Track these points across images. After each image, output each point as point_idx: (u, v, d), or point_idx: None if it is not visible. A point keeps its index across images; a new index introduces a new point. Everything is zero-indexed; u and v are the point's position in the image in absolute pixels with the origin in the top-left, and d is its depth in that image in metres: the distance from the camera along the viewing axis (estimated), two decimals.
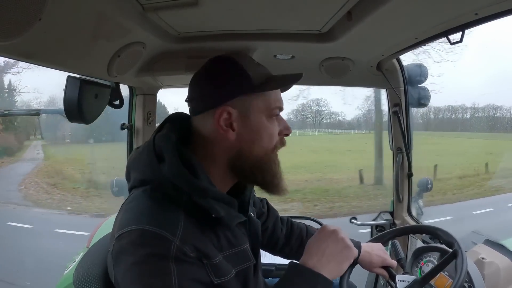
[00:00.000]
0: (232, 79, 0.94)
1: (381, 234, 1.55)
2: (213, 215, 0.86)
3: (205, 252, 0.83)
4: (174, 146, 0.89)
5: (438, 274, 1.34)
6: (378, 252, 1.42)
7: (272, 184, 0.99)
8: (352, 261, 1.03)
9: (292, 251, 1.40)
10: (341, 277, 1.41)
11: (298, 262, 0.96)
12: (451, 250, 1.26)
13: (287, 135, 1.03)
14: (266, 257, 1.23)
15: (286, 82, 1.02)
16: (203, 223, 0.86)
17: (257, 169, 0.96)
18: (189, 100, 0.99)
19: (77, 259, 2.04)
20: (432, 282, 1.33)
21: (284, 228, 1.40)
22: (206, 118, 0.94)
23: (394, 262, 1.41)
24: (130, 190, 0.96)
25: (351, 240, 1.44)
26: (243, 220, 0.98)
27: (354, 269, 1.44)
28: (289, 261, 0.98)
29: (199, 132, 0.96)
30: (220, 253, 0.88)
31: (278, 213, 1.42)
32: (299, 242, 1.40)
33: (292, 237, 1.40)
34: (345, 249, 1.01)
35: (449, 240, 1.30)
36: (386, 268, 1.40)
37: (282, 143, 1.02)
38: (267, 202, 1.42)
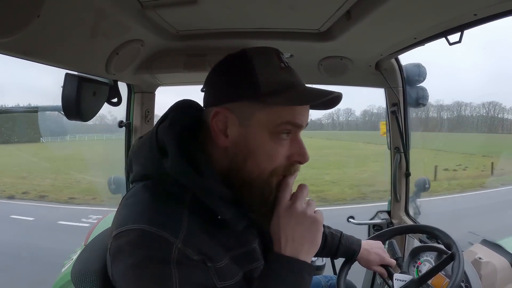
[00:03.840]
0: (237, 80, 0.82)
1: (381, 232, 1.56)
2: (219, 217, 0.79)
3: (210, 255, 0.77)
4: (177, 140, 0.82)
5: None
6: (377, 250, 1.42)
7: (259, 212, 0.87)
8: (322, 228, 0.88)
9: None
10: (339, 275, 1.42)
11: (279, 252, 0.84)
12: (449, 252, 1.26)
13: (299, 162, 0.86)
14: None
15: (302, 99, 0.82)
16: (210, 222, 0.79)
17: (246, 188, 0.83)
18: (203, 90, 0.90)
19: (74, 256, 2.04)
20: (429, 281, 1.34)
21: None
22: (208, 114, 0.85)
23: (392, 261, 1.42)
24: (131, 183, 0.90)
25: (351, 237, 1.44)
26: (253, 220, 0.89)
27: (351, 268, 1.45)
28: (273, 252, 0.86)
29: (207, 126, 0.86)
30: (227, 253, 0.81)
31: None
32: None
33: None
34: (312, 224, 0.85)
35: (447, 242, 1.30)
36: (385, 266, 1.41)
37: (289, 171, 0.86)
38: None
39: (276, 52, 0.86)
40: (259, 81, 0.80)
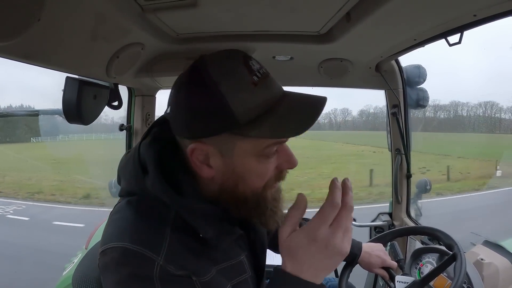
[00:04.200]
0: (209, 114, 0.74)
1: (381, 234, 1.55)
2: (201, 235, 0.79)
3: (194, 269, 0.76)
4: (156, 158, 0.81)
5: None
6: (378, 253, 1.42)
7: (260, 221, 0.85)
8: (343, 258, 0.78)
9: None
10: (340, 279, 1.41)
11: (288, 271, 0.76)
12: (450, 253, 1.26)
13: (289, 168, 0.84)
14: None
15: (286, 129, 0.76)
16: (193, 237, 0.79)
17: (242, 205, 0.82)
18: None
19: (75, 260, 2.04)
20: (431, 283, 1.34)
21: None
22: (183, 145, 0.81)
23: (394, 263, 1.41)
24: (119, 196, 0.90)
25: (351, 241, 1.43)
26: (239, 234, 0.88)
27: (353, 269, 1.45)
28: (275, 267, 0.79)
29: (183, 148, 0.82)
30: (214, 267, 0.81)
31: None
32: None
33: None
34: (335, 256, 0.76)
35: (449, 243, 1.30)
36: (386, 269, 1.41)
37: (278, 178, 0.84)
38: None
39: (245, 62, 0.76)
40: (235, 112, 0.72)
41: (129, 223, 0.78)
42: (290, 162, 0.82)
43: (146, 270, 0.72)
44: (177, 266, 0.74)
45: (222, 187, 0.81)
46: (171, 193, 0.78)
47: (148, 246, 0.73)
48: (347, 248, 0.76)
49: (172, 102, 0.81)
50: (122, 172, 0.90)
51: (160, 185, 0.78)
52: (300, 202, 0.78)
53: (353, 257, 1.41)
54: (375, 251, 1.43)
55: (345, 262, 1.45)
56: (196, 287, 0.76)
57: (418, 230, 1.58)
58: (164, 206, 0.78)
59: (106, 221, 0.85)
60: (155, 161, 0.80)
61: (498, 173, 13.91)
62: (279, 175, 0.84)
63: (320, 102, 0.78)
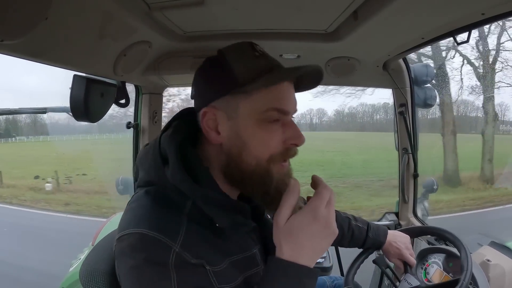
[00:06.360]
0: (215, 77, 0.85)
1: (415, 227, 1.55)
2: (216, 225, 0.82)
3: (208, 258, 0.79)
4: (177, 149, 0.84)
5: (442, 274, 1.36)
6: (399, 244, 1.43)
7: (264, 200, 0.87)
8: (334, 239, 0.81)
9: None
10: (347, 273, 1.42)
11: (284, 258, 0.77)
12: (457, 254, 1.27)
13: (296, 145, 0.86)
14: None
15: (278, 78, 0.84)
16: (208, 228, 0.82)
17: (247, 180, 0.84)
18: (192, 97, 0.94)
19: (82, 256, 2.06)
20: (435, 280, 1.35)
21: None
22: (199, 118, 0.88)
23: (411, 260, 1.41)
24: (137, 187, 0.93)
25: (377, 228, 1.44)
26: (252, 226, 0.91)
27: (358, 270, 1.46)
28: (270, 257, 0.81)
29: (202, 131, 0.89)
30: (227, 258, 0.83)
31: None
32: None
33: None
34: (330, 236, 0.79)
35: (463, 264, 1.25)
36: (404, 262, 1.42)
37: (287, 155, 0.86)
38: None
39: (250, 44, 0.89)
40: (235, 72, 0.82)
41: (147, 210, 0.81)
42: (296, 137, 0.85)
43: (162, 256, 0.74)
44: (193, 254, 0.76)
45: (229, 157, 0.85)
46: (190, 182, 0.81)
47: (165, 233, 0.75)
48: (337, 229, 0.81)
49: (193, 84, 0.93)
50: (141, 163, 0.93)
51: (180, 174, 0.81)
52: (294, 186, 0.81)
53: (378, 245, 1.44)
54: (398, 242, 1.44)
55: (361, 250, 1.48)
56: (209, 276, 0.79)
57: (447, 237, 1.43)
58: (181, 197, 0.82)
59: (123, 211, 0.88)
60: (176, 152, 0.84)
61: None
62: (286, 152, 0.86)
63: (308, 65, 0.86)
